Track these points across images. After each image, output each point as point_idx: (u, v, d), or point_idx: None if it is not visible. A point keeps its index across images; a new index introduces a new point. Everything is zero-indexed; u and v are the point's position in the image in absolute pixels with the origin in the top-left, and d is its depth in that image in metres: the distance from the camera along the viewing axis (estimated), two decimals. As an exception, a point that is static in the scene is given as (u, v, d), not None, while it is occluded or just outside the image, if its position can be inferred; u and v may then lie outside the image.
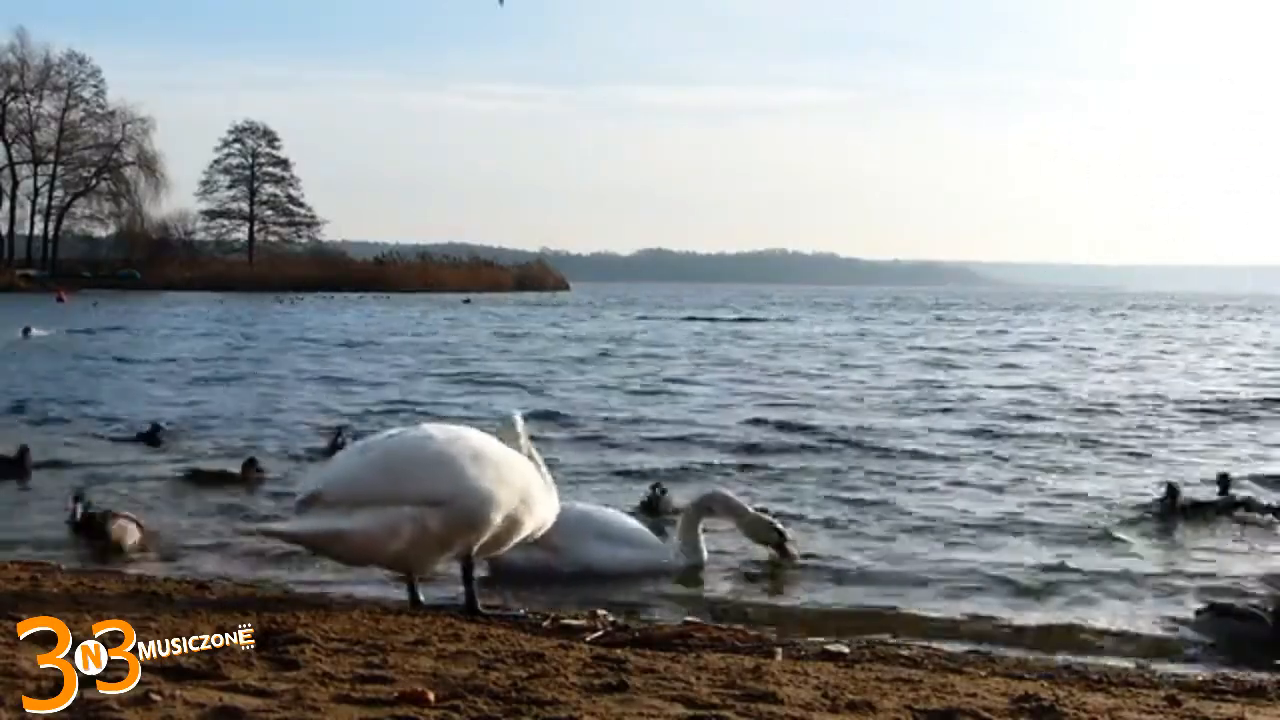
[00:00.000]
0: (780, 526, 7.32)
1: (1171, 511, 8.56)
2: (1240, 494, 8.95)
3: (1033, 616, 6.35)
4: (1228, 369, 24.99)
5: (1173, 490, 8.71)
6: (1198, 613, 6.08)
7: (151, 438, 12.15)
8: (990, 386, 19.89)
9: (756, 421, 14.52)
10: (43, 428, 13.63)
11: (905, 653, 5.41)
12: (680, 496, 8.67)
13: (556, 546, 6.70)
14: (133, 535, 7.58)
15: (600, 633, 5.50)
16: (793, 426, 14.04)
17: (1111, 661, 5.54)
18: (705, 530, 7.27)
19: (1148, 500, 9.12)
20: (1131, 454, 12.18)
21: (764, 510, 7.58)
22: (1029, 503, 9.41)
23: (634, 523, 7.19)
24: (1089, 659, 5.57)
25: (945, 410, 16.17)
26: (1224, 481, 9.08)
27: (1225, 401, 17.37)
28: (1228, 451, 12.63)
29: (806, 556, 7.38)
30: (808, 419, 14.73)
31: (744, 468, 11.15)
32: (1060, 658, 5.57)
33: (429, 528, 5.53)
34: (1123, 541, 8.06)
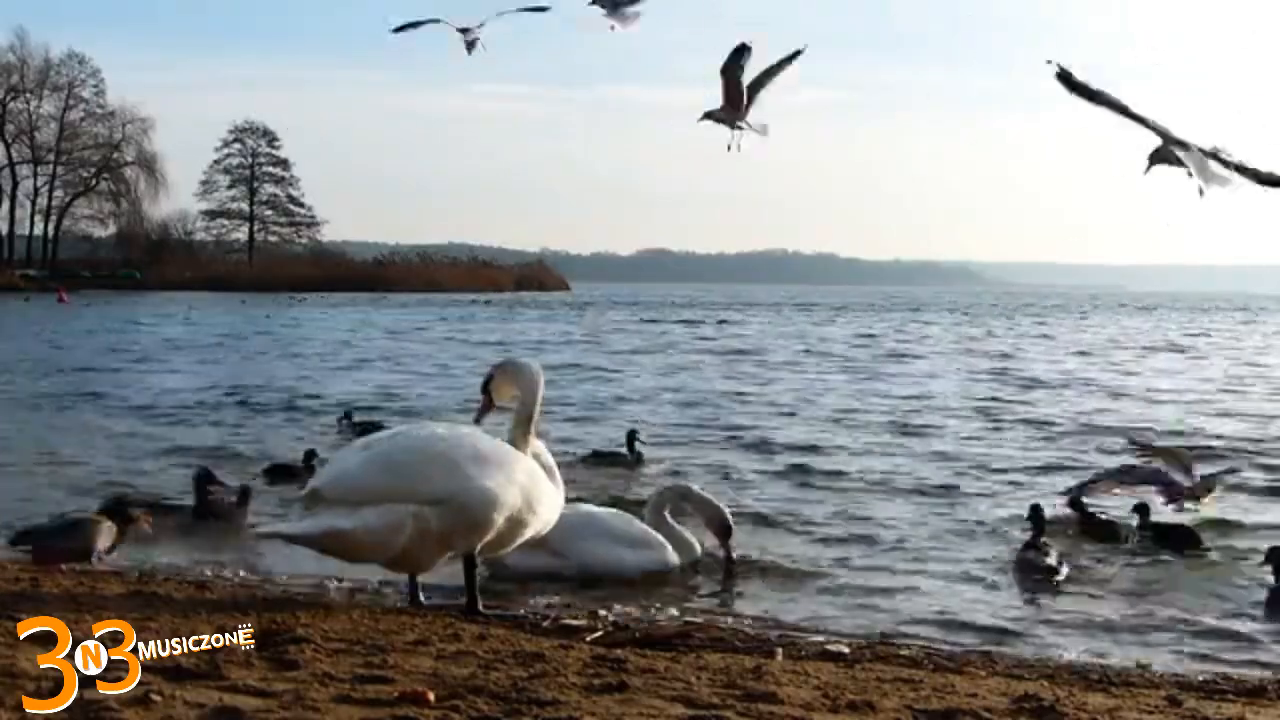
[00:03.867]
0: (730, 520, 7.25)
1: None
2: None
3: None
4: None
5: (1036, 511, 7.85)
6: None
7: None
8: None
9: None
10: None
11: (905, 653, 5.41)
12: None
13: (558, 547, 6.67)
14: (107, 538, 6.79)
15: (600, 633, 5.50)
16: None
17: (1111, 662, 5.54)
18: (678, 520, 7.25)
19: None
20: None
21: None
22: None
23: (637, 523, 7.18)
24: (1089, 659, 5.57)
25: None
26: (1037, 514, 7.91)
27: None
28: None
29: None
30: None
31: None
32: (1060, 658, 5.57)
33: (431, 527, 5.51)
34: None
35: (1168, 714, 4.35)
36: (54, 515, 7.33)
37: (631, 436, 11.10)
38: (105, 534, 6.77)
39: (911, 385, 19.96)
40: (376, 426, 10.82)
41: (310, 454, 10.19)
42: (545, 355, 24.87)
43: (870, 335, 38.54)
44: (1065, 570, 7.11)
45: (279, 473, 10.08)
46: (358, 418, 12.97)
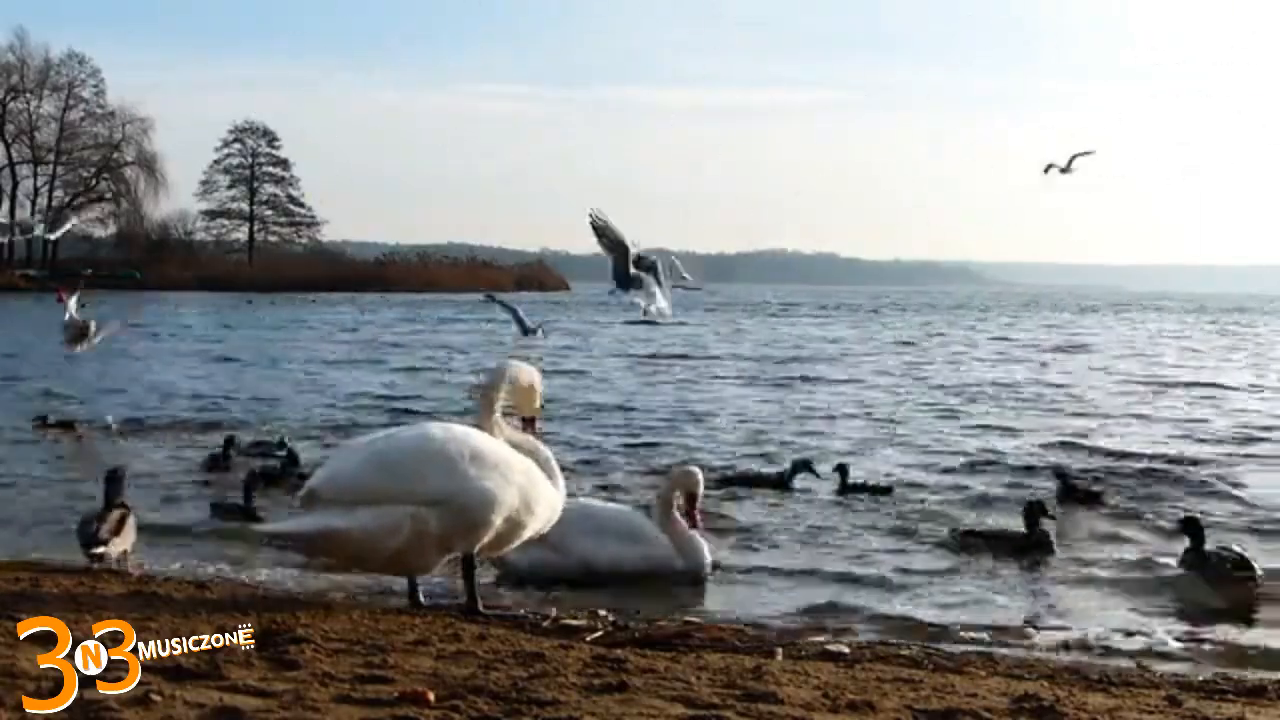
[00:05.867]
0: (698, 480, 7.17)
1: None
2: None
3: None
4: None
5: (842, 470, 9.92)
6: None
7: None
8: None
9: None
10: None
11: (905, 653, 5.42)
12: None
13: (557, 544, 6.62)
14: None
15: (600, 633, 5.49)
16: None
17: (1111, 661, 5.55)
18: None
19: None
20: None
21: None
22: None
23: (638, 518, 7.15)
24: (1089, 659, 5.58)
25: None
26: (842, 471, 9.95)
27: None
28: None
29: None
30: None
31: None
32: (1060, 658, 5.58)
33: (428, 528, 5.47)
34: None
35: (1168, 714, 4.35)
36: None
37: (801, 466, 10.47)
38: (110, 523, 6.81)
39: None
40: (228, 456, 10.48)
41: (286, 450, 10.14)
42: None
43: (840, 338, 38.28)
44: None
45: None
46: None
